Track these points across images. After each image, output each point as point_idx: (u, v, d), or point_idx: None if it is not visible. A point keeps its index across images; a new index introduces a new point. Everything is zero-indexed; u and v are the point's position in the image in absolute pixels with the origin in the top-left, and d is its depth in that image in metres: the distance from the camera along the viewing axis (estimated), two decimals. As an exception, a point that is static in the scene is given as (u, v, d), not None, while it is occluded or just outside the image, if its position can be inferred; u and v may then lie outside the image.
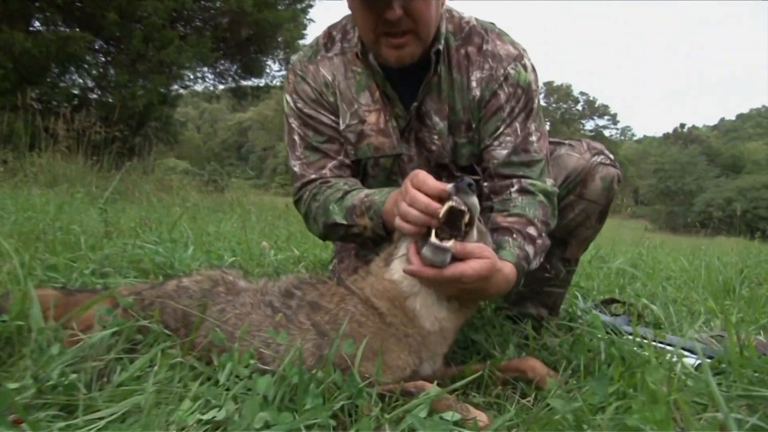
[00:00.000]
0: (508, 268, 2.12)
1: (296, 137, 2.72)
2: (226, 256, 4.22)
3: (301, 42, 21.49)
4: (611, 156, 2.73)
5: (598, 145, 2.76)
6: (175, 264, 3.68)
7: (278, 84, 24.29)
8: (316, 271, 2.86)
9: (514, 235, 2.30)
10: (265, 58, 22.88)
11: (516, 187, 2.46)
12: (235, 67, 22.87)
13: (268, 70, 23.35)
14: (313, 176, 2.67)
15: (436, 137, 2.64)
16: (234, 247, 4.63)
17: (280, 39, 21.91)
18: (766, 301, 3.76)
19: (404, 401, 1.81)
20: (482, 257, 1.93)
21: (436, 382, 1.90)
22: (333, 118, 2.65)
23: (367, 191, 2.49)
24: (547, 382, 2.12)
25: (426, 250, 1.89)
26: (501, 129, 2.54)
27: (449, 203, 1.87)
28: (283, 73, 23.66)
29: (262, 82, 23.88)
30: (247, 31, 20.74)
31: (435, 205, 1.85)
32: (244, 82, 23.81)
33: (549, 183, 2.50)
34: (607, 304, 3.87)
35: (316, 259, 4.68)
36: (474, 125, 2.58)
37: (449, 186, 1.89)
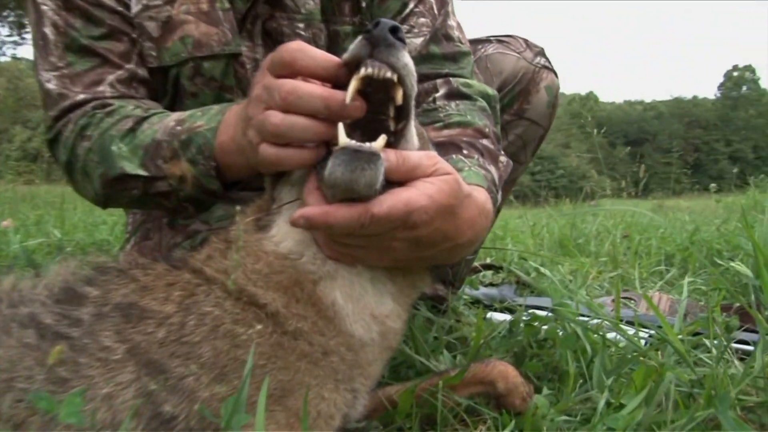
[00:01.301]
0: (480, 192, 1.29)
1: (50, 30, 1.61)
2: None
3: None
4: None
5: (537, 44, 2.01)
6: None
7: (9, 55, 20.88)
8: (130, 252, 1.73)
9: (465, 151, 1.46)
10: (-12, 20, 19.42)
11: (443, 90, 1.63)
12: (-52, 29, 19.08)
13: (-6, 35, 19.90)
14: (81, 97, 1.59)
15: (300, 26, 1.72)
16: (-46, 233, 3.20)
17: (8, -5, 18.69)
18: (636, 255, 3.35)
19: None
20: (437, 172, 1.11)
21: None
22: None
23: (179, 115, 1.51)
24: (535, 399, 1.34)
25: (335, 165, 1.01)
26: (410, 6, 1.72)
27: (362, 71, 1.03)
28: (15, 39, 20.36)
29: (-14, 50, 20.30)
30: (-39, -18, 17.25)
31: (338, 93, 1.07)
32: (-39, 50, 20.05)
33: (484, 84, 1.71)
34: (477, 271, 3.21)
35: (86, 242, 3.40)
36: (364, 3, 1.75)
37: (355, 43, 1.06)
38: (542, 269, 2.78)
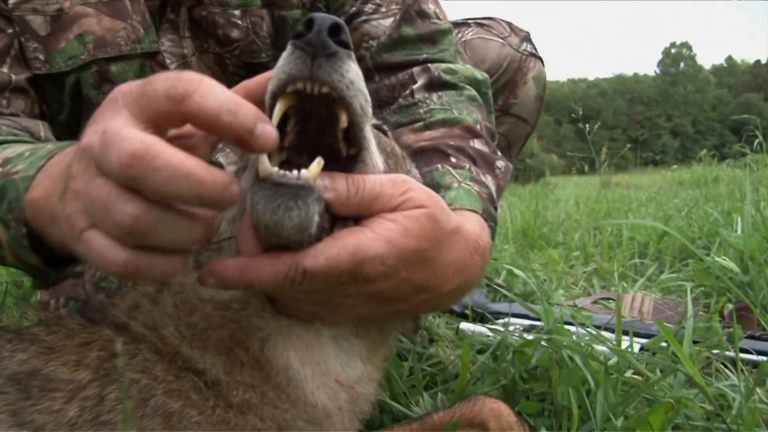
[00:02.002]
0: (472, 222, 1.04)
1: None
2: None
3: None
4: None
5: (522, 28, 1.78)
6: None
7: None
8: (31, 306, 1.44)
9: (453, 159, 1.22)
10: None
11: (421, 80, 1.39)
12: None
13: None
14: None
15: (236, 14, 1.45)
16: None
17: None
18: (609, 247, 3.18)
19: None
20: (406, 205, 0.86)
21: None
22: None
23: (12, 150, 1.11)
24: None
25: (254, 202, 0.76)
26: None
27: (288, 88, 0.79)
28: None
29: None
30: None
31: (217, 175, 0.70)
32: None
33: (471, 67, 1.46)
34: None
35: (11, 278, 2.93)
36: None
37: (285, 57, 0.79)
38: (515, 270, 2.58)
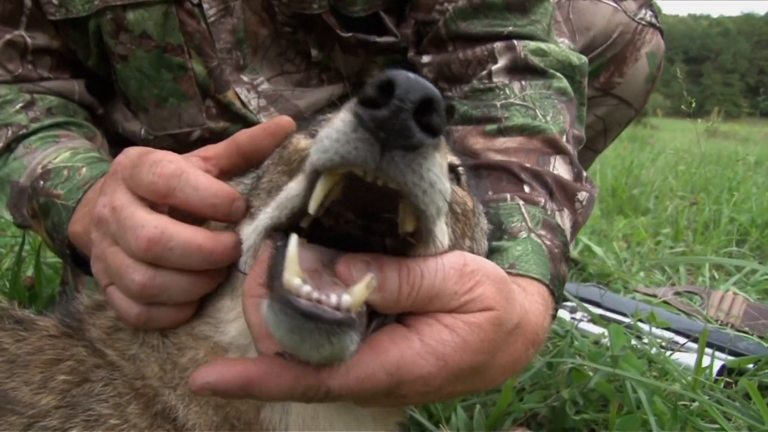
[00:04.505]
0: (536, 304, 0.84)
1: None
2: None
3: None
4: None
5: None
6: None
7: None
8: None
9: (526, 188, 1.01)
10: None
11: (503, 60, 1.15)
12: None
13: None
14: None
15: None
16: None
17: None
18: (705, 228, 2.87)
19: None
20: (470, 306, 0.68)
21: None
22: None
23: (50, 155, 1.18)
24: None
25: (273, 322, 0.58)
26: None
27: (345, 170, 0.57)
28: None
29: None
30: None
31: (223, 240, 0.79)
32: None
33: (566, 47, 1.22)
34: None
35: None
36: None
37: (338, 128, 0.56)
38: (593, 246, 2.35)
